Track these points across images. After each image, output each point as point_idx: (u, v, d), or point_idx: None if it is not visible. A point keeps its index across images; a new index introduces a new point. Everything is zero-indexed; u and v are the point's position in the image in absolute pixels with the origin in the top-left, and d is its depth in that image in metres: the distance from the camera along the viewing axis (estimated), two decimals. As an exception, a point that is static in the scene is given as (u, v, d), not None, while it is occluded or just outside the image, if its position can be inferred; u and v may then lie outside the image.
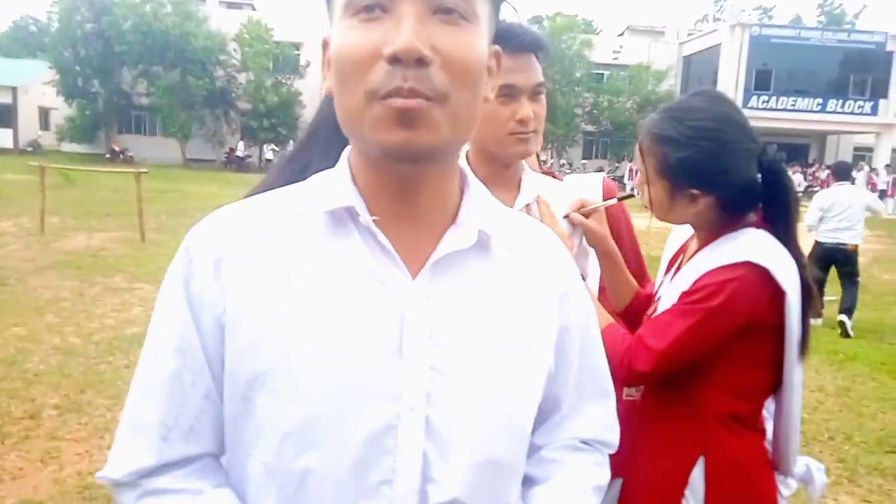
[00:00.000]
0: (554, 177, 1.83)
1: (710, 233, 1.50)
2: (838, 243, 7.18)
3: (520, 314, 0.86)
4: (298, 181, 0.91)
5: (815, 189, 16.36)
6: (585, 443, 0.98)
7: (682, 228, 1.67)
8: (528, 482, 0.94)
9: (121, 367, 5.01)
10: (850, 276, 7.27)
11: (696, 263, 1.46)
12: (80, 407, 4.31)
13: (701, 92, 1.52)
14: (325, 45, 0.82)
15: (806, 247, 2.01)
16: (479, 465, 0.81)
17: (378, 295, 0.79)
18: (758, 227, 1.46)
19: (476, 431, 0.81)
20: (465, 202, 0.86)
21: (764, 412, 1.53)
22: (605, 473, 0.99)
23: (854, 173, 15.37)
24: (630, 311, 1.72)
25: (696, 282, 1.42)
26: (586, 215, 1.59)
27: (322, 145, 1.22)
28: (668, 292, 1.52)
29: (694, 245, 1.57)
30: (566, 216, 1.58)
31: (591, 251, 1.66)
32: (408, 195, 0.82)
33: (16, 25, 64.81)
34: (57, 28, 33.45)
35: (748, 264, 1.36)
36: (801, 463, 1.56)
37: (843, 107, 33.18)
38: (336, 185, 0.84)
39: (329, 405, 0.77)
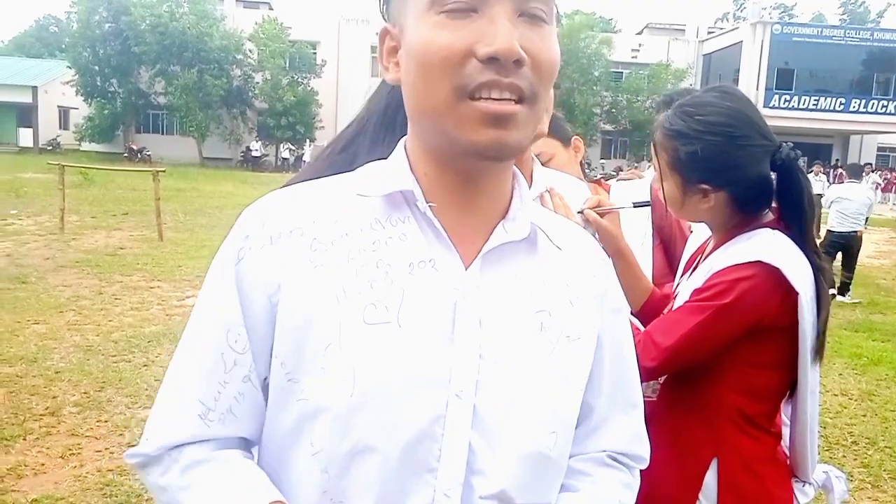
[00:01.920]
0: (600, 185, 1.94)
1: (725, 231, 1.50)
2: (850, 231, 8.97)
3: (564, 311, 0.86)
4: (349, 171, 0.91)
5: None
6: (615, 459, 0.96)
7: (702, 230, 1.66)
8: None
9: (139, 366, 5.04)
10: (853, 257, 9.16)
11: (710, 262, 1.46)
12: (99, 404, 4.33)
13: (715, 88, 1.51)
14: (385, 34, 0.84)
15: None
16: (526, 457, 0.81)
17: (432, 281, 0.80)
18: (773, 227, 1.44)
19: (523, 423, 0.81)
20: (517, 197, 0.87)
21: (782, 416, 1.51)
22: (631, 495, 0.96)
23: (865, 176, 17.87)
24: (645, 311, 1.70)
25: (707, 280, 1.42)
26: (601, 215, 1.61)
27: (370, 138, 1.22)
28: (683, 292, 1.52)
29: (711, 245, 1.56)
30: (580, 212, 1.62)
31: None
32: (467, 188, 0.83)
33: (37, 25, 65.70)
34: (76, 28, 33.88)
35: (759, 264, 1.35)
36: (821, 470, 1.54)
37: (866, 106, 32.82)
38: (394, 171, 0.85)
39: (379, 388, 0.76)
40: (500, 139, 0.75)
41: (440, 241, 0.81)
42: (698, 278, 1.46)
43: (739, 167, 1.41)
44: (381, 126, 1.23)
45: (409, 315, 0.78)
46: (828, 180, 17.61)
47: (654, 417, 1.51)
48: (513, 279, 0.84)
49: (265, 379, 0.83)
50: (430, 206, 0.81)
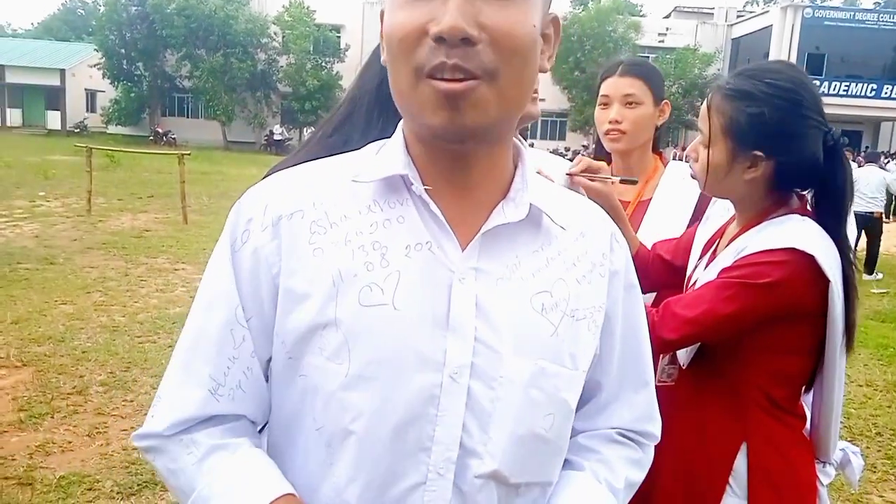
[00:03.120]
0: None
1: (754, 213, 1.47)
2: (868, 211, 9.73)
3: (569, 291, 0.86)
4: (342, 153, 0.91)
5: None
6: (624, 435, 0.96)
7: (716, 215, 1.65)
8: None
9: (164, 347, 5.11)
10: (875, 237, 9.93)
11: (739, 244, 1.43)
12: (125, 384, 4.41)
13: (778, 60, 1.51)
14: (382, 16, 0.82)
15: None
16: (520, 438, 0.82)
17: (428, 263, 0.80)
18: (802, 214, 1.42)
19: (519, 405, 0.81)
20: (518, 177, 0.86)
21: (801, 401, 1.51)
22: (639, 471, 0.97)
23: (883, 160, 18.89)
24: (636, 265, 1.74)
25: (738, 260, 1.39)
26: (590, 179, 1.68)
27: (364, 119, 1.20)
28: (706, 275, 1.49)
29: (733, 228, 1.54)
30: (568, 173, 1.67)
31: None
32: (459, 170, 0.82)
33: (65, 8, 66.30)
34: (103, 11, 34.15)
35: (793, 251, 1.33)
36: (837, 448, 1.54)
37: (898, 92, 32.09)
38: (391, 154, 0.84)
39: (374, 367, 0.78)
40: (454, 120, 0.74)
41: (437, 223, 0.81)
42: (726, 259, 1.44)
43: (799, 137, 1.39)
44: (376, 105, 1.19)
45: (405, 297, 0.79)
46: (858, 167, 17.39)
47: (679, 403, 1.52)
48: (513, 260, 0.83)
49: (268, 361, 0.85)
50: (426, 189, 0.81)
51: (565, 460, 0.92)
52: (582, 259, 0.88)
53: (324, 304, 0.79)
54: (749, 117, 1.40)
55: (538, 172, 1.57)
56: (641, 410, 0.97)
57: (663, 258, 1.77)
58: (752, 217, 1.48)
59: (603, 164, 1.77)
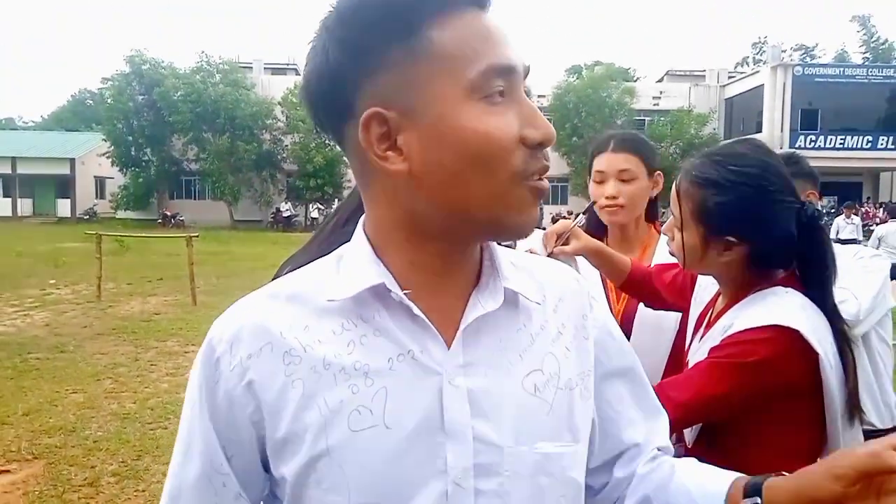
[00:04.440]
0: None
1: (736, 288, 1.47)
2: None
3: (559, 364, 0.85)
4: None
5: (872, 226, 17.62)
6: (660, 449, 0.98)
7: (707, 284, 1.65)
8: (645, 491, 0.93)
9: (175, 433, 5.01)
10: None
11: (724, 321, 1.43)
12: (137, 473, 4.34)
13: (743, 140, 1.50)
14: (371, 119, 0.74)
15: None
16: None
17: (413, 371, 0.78)
18: (786, 285, 1.42)
19: (529, 496, 0.79)
20: (486, 261, 0.85)
21: None
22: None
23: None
24: (629, 284, 1.85)
25: (724, 339, 1.38)
26: (566, 243, 1.77)
27: None
28: (698, 351, 1.49)
29: (721, 303, 1.53)
30: (550, 254, 1.73)
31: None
32: (447, 266, 0.81)
33: (74, 100, 68.30)
34: (110, 102, 35.14)
35: (778, 328, 1.32)
36: None
37: (894, 143, 32.43)
38: (359, 264, 0.81)
39: (377, 490, 0.76)
40: (535, 215, 0.79)
41: (419, 325, 0.79)
42: (714, 337, 1.43)
43: (770, 221, 1.39)
44: None
45: (395, 413, 0.76)
46: (861, 221, 17.45)
47: None
48: (499, 348, 0.82)
49: (261, 494, 0.83)
50: (405, 293, 0.78)
51: (643, 491, 0.93)
52: (566, 326, 0.88)
53: (315, 437, 0.76)
54: (717, 206, 1.40)
55: (529, 251, 1.61)
56: (665, 428, 1.00)
57: (657, 290, 1.83)
58: (734, 292, 1.48)
59: (566, 221, 1.86)
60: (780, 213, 1.39)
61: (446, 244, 0.80)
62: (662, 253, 2.00)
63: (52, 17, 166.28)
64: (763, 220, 1.39)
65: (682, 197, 1.46)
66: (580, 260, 1.89)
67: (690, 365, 1.49)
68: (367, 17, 0.73)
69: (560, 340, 0.87)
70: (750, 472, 1.38)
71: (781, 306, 1.36)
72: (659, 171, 2.04)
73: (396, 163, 0.75)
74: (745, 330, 1.35)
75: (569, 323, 0.89)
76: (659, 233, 2.09)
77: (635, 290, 1.87)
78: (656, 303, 1.86)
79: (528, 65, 0.79)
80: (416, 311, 0.78)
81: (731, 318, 1.41)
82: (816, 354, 1.31)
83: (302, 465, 0.76)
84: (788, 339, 1.31)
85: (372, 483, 0.75)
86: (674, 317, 1.89)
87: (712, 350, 1.40)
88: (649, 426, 0.97)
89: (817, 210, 1.42)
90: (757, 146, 1.47)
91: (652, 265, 1.98)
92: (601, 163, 1.99)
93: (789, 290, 1.40)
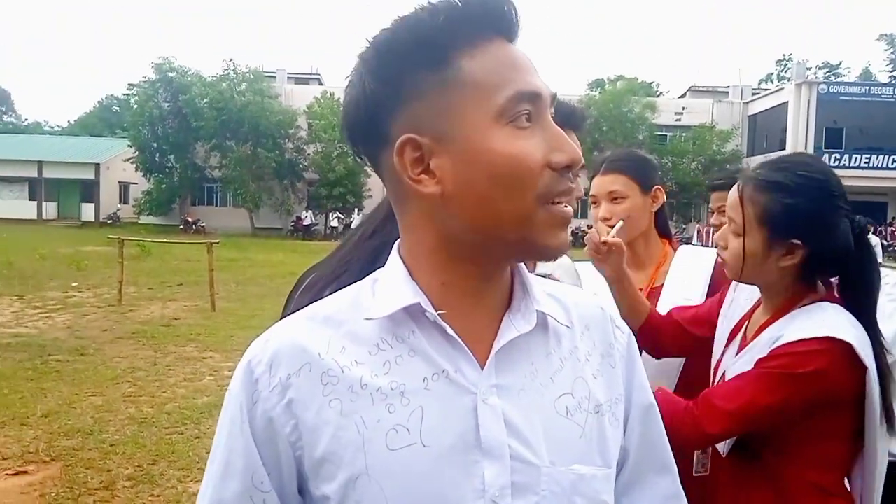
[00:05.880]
0: (671, 243, 2.10)
1: (782, 299, 1.49)
2: None
3: (588, 389, 0.86)
4: (374, 259, 0.92)
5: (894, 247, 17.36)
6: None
7: (742, 299, 1.65)
8: None
9: (191, 438, 5.08)
10: None
11: (773, 333, 1.44)
12: (152, 478, 4.36)
13: (800, 153, 1.58)
14: (405, 145, 0.78)
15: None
16: None
17: (449, 391, 0.79)
18: (831, 301, 1.45)
19: None
20: (518, 285, 0.87)
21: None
22: None
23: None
24: (644, 331, 1.77)
25: (774, 350, 1.40)
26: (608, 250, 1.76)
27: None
28: (737, 363, 1.49)
29: (761, 315, 1.54)
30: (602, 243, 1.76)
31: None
32: (480, 288, 0.83)
33: (100, 106, 69.41)
34: (135, 108, 35.67)
35: (832, 339, 1.34)
36: None
37: (920, 162, 32.04)
38: (394, 285, 0.83)
39: None
40: (567, 241, 0.80)
41: (453, 346, 0.80)
42: (761, 348, 1.44)
43: (832, 227, 1.43)
44: None
45: (432, 431, 0.78)
46: (887, 242, 17.26)
47: (718, 493, 1.51)
48: (530, 368, 0.83)
49: None
50: (439, 314, 0.80)
51: None
52: (592, 353, 0.89)
53: (353, 457, 0.77)
54: (785, 207, 1.43)
55: (550, 276, 1.60)
56: (666, 492, 0.95)
57: (682, 326, 1.78)
58: (780, 304, 1.49)
59: (593, 231, 1.85)
60: (841, 221, 1.43)
61: (479, 266, 0.82)
62: (676, 270, 2.01)
63: (79, 24, 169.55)
64: (827, 224, 1.43)
65: (745, 202, 1.48)
66: (588, 267, 1.89)
67: (728, 377, 1.50)
68: (401, 49, 0.77)
69: (588, 366, 0.88)
70: (784, 481, 1.40)
71: (834, 320, 1.39)
72: (658, 186, 2.03)
73: (430, 186, 0.78)
74: (798, 341, 1.37)
75: (595, 350, 0.90)
76: (675, 250, 2.09)
77: (650, 336, 1.79)
78: (661, 352, 1.85)
79: (555, 92, 0.81)
80: (450, 331, 0.80)
81: (779, 330, 1.43)
82: (865, 368, 1.34)
83: (342, 484, 0.77)
84: (840, 352, 1.34)
85: (411, 502, 0.76)
86: None
87: (760, 361, 1.41)
88: (649, 478, 0.95)
89: (869, 223, 1.44)
90: (816, 157, 1.53)
91: (665, 283, 1.99)
92: (593, 186, 2.04)
93: (835, 305, 1.43)
